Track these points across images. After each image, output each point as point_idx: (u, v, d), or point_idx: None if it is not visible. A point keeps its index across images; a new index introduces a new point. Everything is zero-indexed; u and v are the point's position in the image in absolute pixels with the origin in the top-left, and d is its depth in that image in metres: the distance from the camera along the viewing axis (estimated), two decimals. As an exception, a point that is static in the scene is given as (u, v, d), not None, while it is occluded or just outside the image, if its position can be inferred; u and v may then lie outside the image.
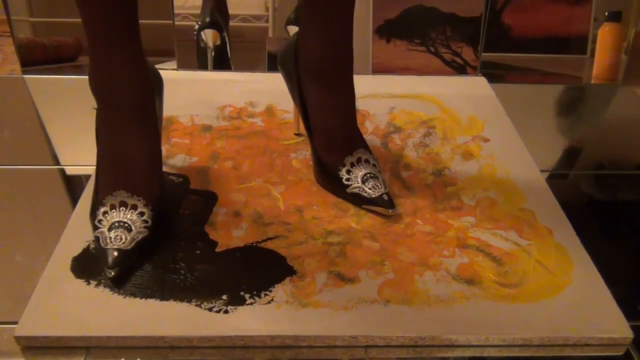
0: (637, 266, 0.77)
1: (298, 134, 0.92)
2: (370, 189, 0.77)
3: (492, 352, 0.63)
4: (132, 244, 0.67)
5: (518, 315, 0.64)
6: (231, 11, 1.26)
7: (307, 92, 0.80)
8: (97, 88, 0.72)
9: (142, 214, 0.69)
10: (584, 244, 0.74)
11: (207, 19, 1.22)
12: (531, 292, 0.67)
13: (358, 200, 0.78)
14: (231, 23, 1.27)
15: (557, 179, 0.93)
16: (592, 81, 1.26)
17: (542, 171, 0.89)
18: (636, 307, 0.69)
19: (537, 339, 0.63)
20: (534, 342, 0.63)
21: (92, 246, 0.70)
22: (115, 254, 0.66)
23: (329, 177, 0.80)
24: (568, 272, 0.70)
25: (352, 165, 0.79)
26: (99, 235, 0.68)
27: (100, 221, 0.69)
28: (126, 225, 0.68)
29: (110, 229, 0.68)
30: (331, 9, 0.76)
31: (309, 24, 0.79)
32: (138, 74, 0.73)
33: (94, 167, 0.74)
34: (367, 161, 0.80)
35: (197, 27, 1.23)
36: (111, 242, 0.67)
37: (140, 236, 0.68)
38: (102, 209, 0.69)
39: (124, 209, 0.69)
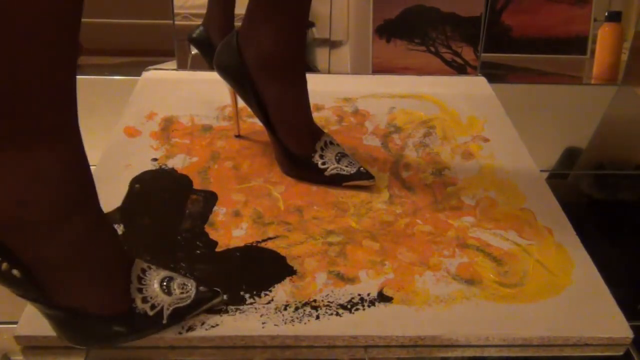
0: (637, 266, 0.78)
1: (239, 136, 0.92)
2: (347, 166, 0.81)
3: (492, 352, 0.63)
4: (191, 279, 0.62)
5: (518, 315, 0.64)
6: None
7: (264, 88, 0.80)
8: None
9: (149, 267, 0.61)
10: (584, 244, 0.74)
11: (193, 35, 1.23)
12: (531, 292, 0.67)
13: (338, 179, 0.81)
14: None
15: (557, 179, 0.93)
16: (592, 81, 1.26)
17: (542, 171, 0.89)
18: (636, 307, 0.69)
19: (537, 339, 0.63)
20: (534, 342, 0.63)
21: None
22: (203, 288, 0.61)
23: (302, 167, 0.82)
24: (568, 272, 0.70)
25: (322, 149, 0.82)
26: (172, 308, 0.59)
27: (154, 307, 0.59)
28: (168, 277, 0.61)
29: (169, 292, 0.59)
30: (285, 3, 0.76)
31: (260, 19, 0.78)
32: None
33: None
34: (332, 143, 0.83)
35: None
36: (187, 290, 0.60)
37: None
38: (139, 298, 0.58)
39: (146, 273, 0.60)
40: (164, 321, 0.59)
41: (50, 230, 0.53)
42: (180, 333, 0.61)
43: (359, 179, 0.81)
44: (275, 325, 0.62)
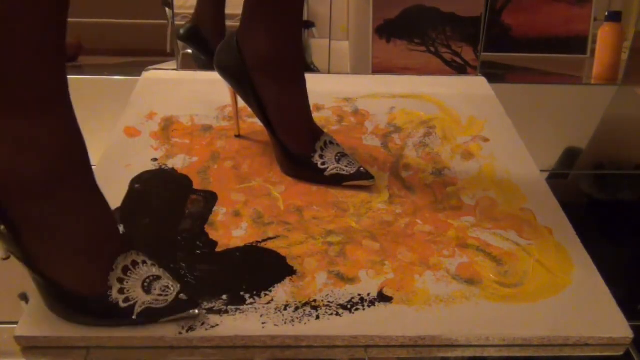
0: (637, 266, 0.78)
1: (239, 136, 0.92)
2: (347, 166, 0.81)
3: (492, 352, 0.63)
4: (178, 285, 0.62)
5: (518, 315, 0.64)
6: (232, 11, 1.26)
7: (263, 89, 0.81)
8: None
9: (144, 262, 0.62)
10: (584, 244, 0.74)
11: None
12: (531, 292, 0.67)
13: (338, 179, 0.81)
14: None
15: (557, 179, 0.93)
16: (592, 81, 1.26)
17: (542, 171, 0.89)
18: (636, 307, 0.69)
19: (537, 339, 0.63)
20: (534, 342, 0.63)
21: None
22: (183, 296, 0.61)
23: (302, 167, 0.82)
24: (568, 272, 0.70)
25: (322, 149, 0.82)
26: (145, 306, 0.59)
27: (127, 300, 0.59)
28: (155, 276, 0.61)
29: (149, 291, 0.60)
30: (282, 3, 0.76)
31: (258, 19, 0.78)
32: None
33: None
34: (332, 142, 0.83)
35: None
36: (167, 294, 0.60)
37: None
38: (116, 288, 0.59)
39: (137, 267, 0.60)
40: (134, 316, 0.59)
41: (37, 194, 0.56)
42: (180, 333, 0.61)
43: (359, 179, 0.81)
44: (275, 325, 0.62)
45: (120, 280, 0.59)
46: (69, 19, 0.55)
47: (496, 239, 0.75)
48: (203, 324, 0.62)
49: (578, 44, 1.30)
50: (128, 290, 0.59)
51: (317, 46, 1.28)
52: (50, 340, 0.60)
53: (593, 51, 1.28)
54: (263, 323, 0.62)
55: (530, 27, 1.29)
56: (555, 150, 1.00)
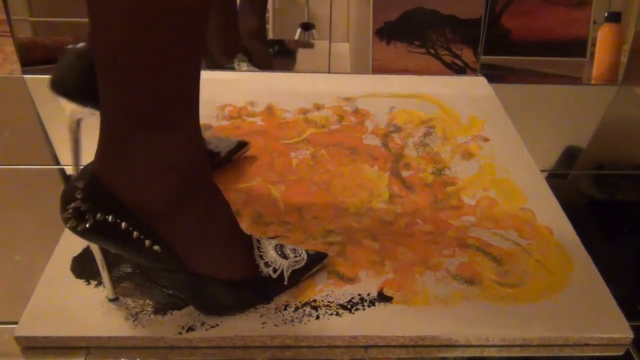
0: (637, 266, 0.77)
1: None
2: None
3: (492, 352, 0.63)
4: (303, 248, 0.68)
5: (518, 315, 0.64)
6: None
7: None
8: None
9: (259, 239, 0.66)
10: (584, 244, 0.74)
11: None
12: (531, 292, 0.67)
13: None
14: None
15: (557, 179, 0.93)
16: (592, 82, 1.26)
17: (542, 171, 0.89)
18: (636, 307, 0.69)
19: (537, 339, 0.63)
20: (534, 342, 0.63)
21: (92, 246, 0.70)
22: (311, 251, 0.68)
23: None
24: (568, 272, 0.70)
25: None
26: (291, 270, 0.65)
27: (275, 270, 0.64)
28: (279, 244, 0.66)
29: (285, 256, 0.65)
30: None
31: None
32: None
33: None
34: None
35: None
36: (299, 254, 0.67)
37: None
38: (262, 263, 0.64)
39: (261, 241, 0.66)
40: (285, 282, 0.65)
41: (181, 209, 0.58)
42: (180, 333, 0.61)
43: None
44: (275, 325, 0.62)
45: (260, 257, 0.64)
46: (69, 19, 0.54)
47: (496, 239, 0.75)
48: (203, 324, 0.62)
49: (577, 47, 1.30)
50: (271, 262, 0.64)
51: (318, 47, 1.28)
52: (50, 340, 0.60)
53: (592, 54, 1.28)
54: (263, 323, 0.62)
55: (529, 30, 1.29)
56: (555, 150, 1.00)
